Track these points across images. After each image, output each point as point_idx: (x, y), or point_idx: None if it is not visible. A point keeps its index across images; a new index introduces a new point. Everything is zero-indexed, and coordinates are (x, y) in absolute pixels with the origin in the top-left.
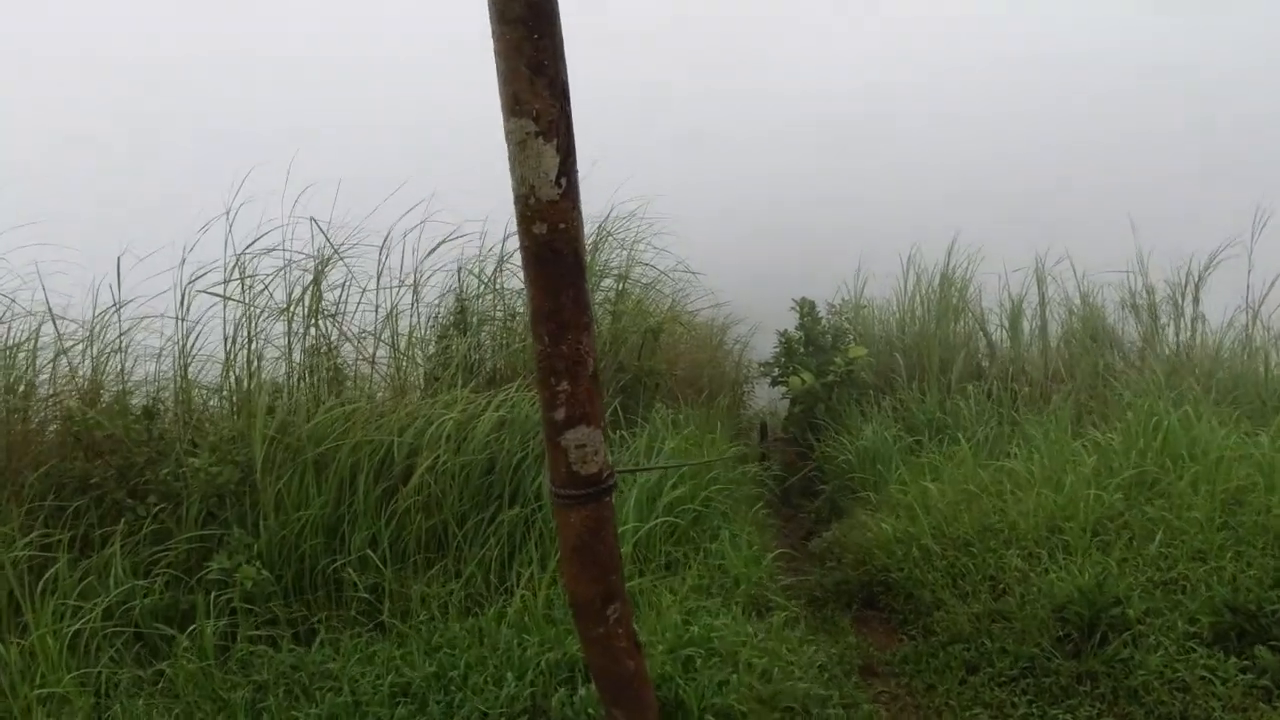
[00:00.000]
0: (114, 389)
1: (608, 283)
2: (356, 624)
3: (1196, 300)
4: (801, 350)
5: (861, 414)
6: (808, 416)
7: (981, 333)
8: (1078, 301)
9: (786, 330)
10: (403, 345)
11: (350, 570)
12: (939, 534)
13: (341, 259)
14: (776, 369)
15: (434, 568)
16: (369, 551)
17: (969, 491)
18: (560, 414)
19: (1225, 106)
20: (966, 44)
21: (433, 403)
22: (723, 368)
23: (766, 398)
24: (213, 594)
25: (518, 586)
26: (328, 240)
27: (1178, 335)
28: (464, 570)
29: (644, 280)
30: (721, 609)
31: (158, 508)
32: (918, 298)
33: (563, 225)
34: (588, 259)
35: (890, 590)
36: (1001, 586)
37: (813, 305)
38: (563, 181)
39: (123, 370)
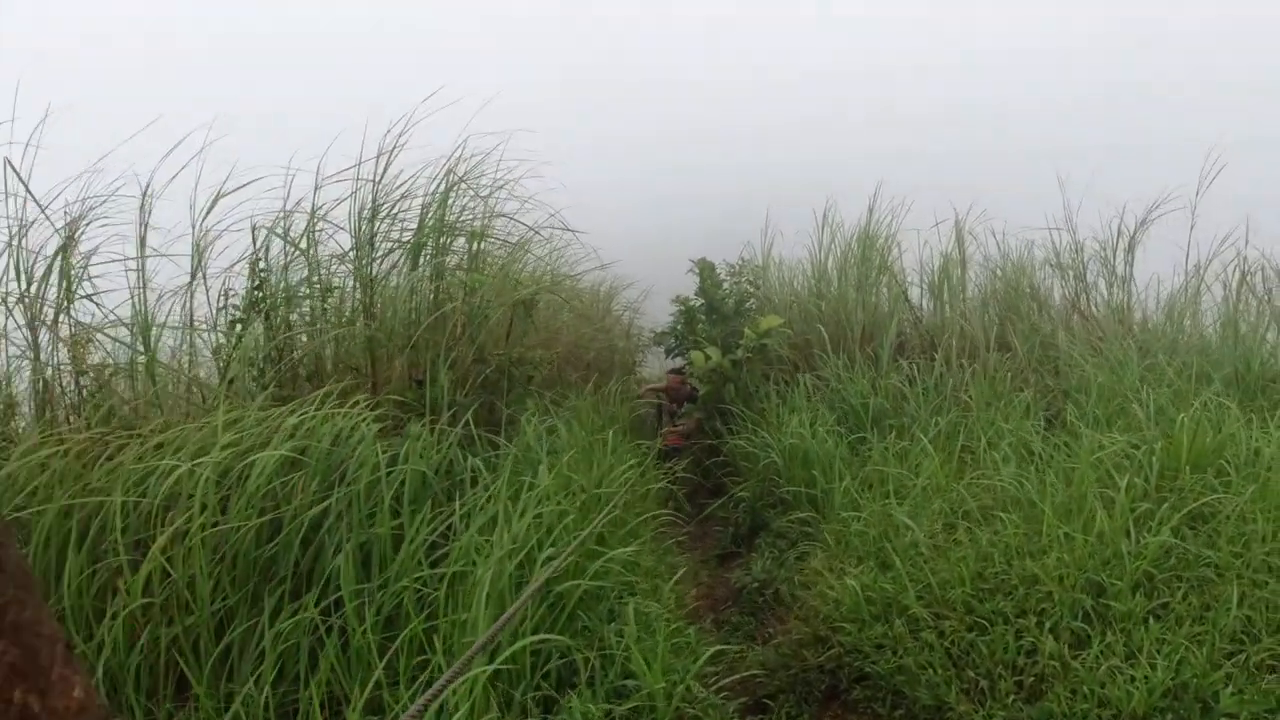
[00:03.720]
0: None
1: (460, 243)
2: None
3: (1130, 258)
4: (703, 319)
5: (779, 397)
6: (715, 400)
7: (904, 297)
8: (1000, 260)
9: (685, 297)
10: (160, 339)
11: None
12: (924, 591)
13: (50, 218)
14: (673, 339)
15: (180, 711)
16: None
17: (951, 522)
18: None
19: (1172, 59)
20: None
21: (195, 429)
22: (611, 339)
23: (660, 368)
24: None
25: None
26: (30, 195)
27: (1109, 296)
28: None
29: (510, 239)
30: None
31: None
32: (832, 258)
33: None
34: (431, 210)
35: (867, 682)
36: (1031, 680)
37: (713, 267)
38: None
39: None
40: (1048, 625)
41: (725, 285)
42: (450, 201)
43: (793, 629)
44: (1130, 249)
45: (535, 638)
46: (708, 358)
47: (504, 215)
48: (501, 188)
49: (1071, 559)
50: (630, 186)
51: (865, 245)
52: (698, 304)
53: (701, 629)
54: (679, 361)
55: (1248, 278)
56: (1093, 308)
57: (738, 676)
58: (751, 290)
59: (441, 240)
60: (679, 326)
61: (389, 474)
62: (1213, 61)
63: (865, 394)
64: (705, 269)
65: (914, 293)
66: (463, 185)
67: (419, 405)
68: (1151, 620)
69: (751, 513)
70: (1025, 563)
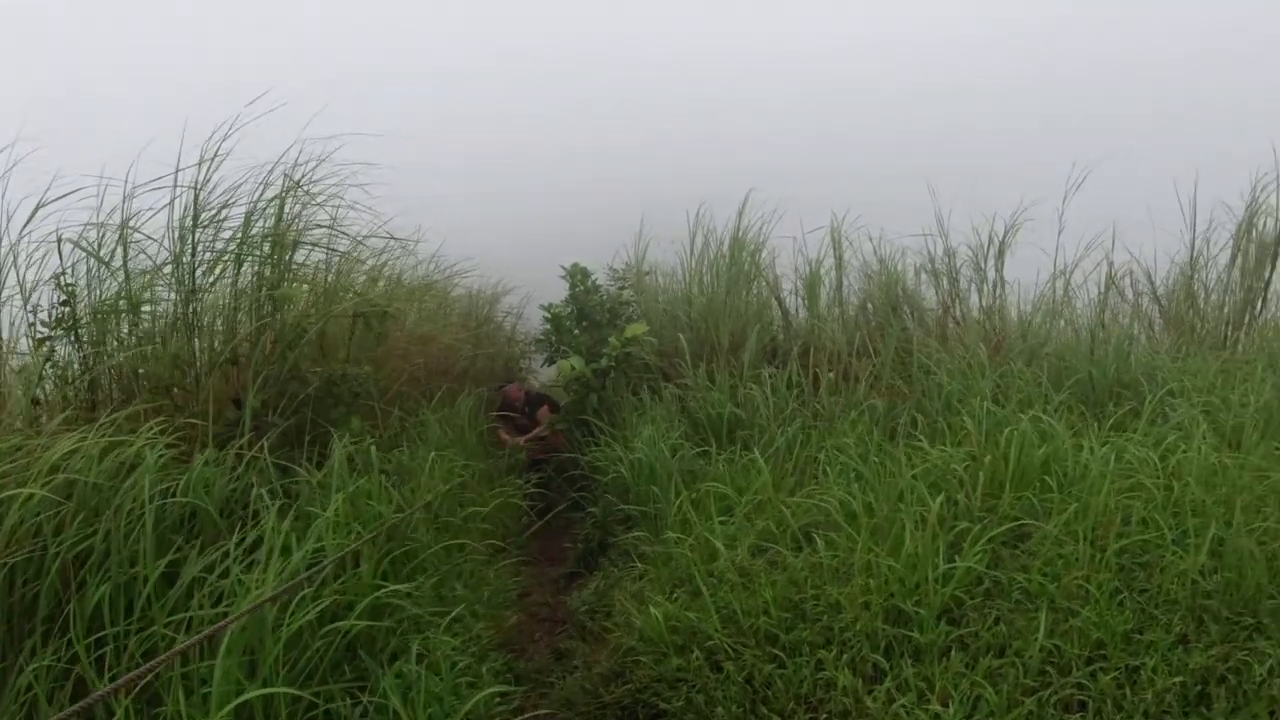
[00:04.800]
0: None
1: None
2: None
3: (1000, 263)
4: (573, 328)
5: (639, 408)
6: (578, 410)
7: (776, 302)
8: (875, 266)
9: (554, 304)
10: None
11: None
12: (731, 620)
13: None
14: (547, 348)
15: None
16: None
17: (772, 542)
18: None
19: (1034, 63)
20: None
21: None
22: (495, 343)
23: (552, 375)
24: None
25: None
26: None
27: (981, 300)
28: None
29: (350, 247)
30: None
31: None
32: (705, 263)
33: None
34: (258, 217)
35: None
36: (825, 717)
37: (586, 273)
38: None
39: None
40: (845, 658)
41: (601, 292)
42: (285, 209)
43: (598, 660)
44: (1000, 254)
45: (275, 689)
46: (573, 366)
47: (322, 226)
48: (336, 195)
49: (875, 584)
50: (523, 189)
51: (735, 248)
52: (567, 310)
53: (522, 658)
54: (554, 370)
55: (1115, 282)
56: (963, 312)
57: (535, 713)
58: (630, 297)
59: (275, 251)
60: (551, 335)
61: (164, 506)
62: (1080, 73)
63: (720, 404)
64: (577, 274)
65: (791, 300)
66: (299, 190)
67: (233, 428)
68: (954, 652)
69: (601, 529)
70: (831, 588)
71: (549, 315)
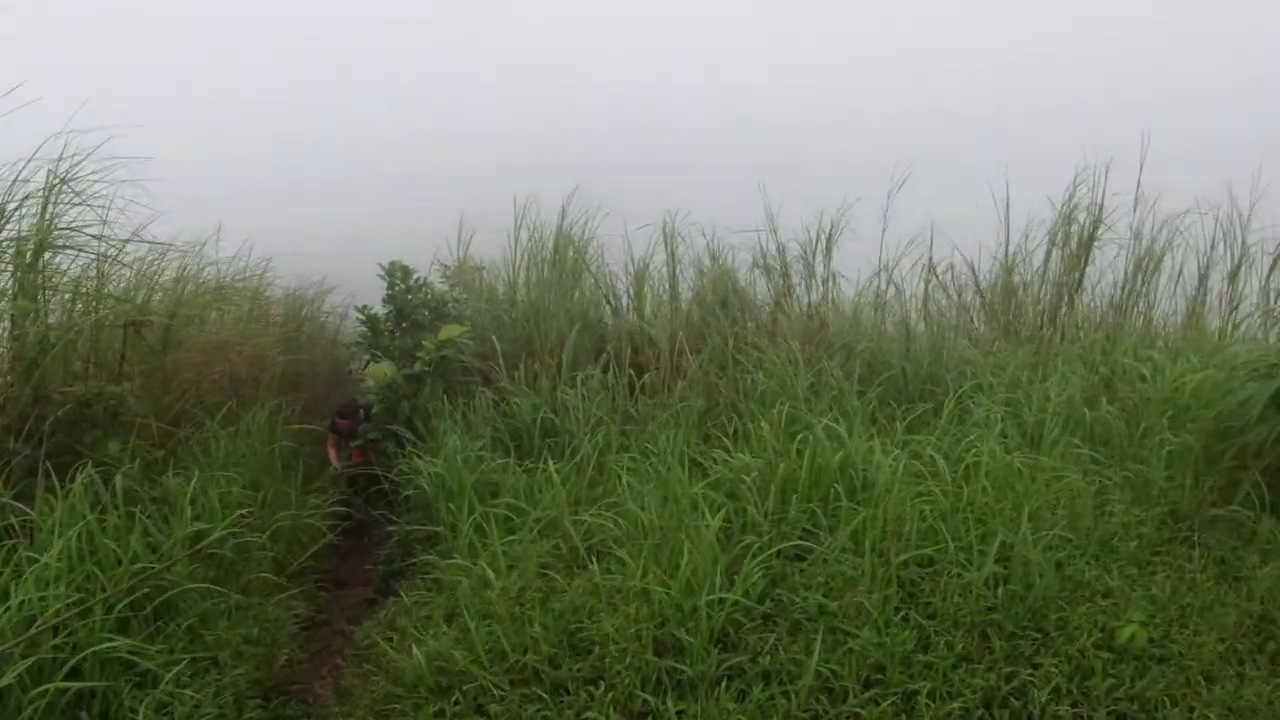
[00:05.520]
0: None
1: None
2: None
3: (828, 259)
4: (391, 330)
5: (448, 415)
6: (389, 419)
7: (605, 299)
8: (708, 262)
9: (367, 306)
10: None
11: None
12: (501, 657)
13: None
14: (366, 350)
15: None
16: None
17: (555, 565)
18: None
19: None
20: None
21: None
22: (318, 346)
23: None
24: None
25: None
26: None
27: (809, 296)
28: None
29: (118, 251)
30: None
31: None
32: (531, 259)
33: None
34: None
35: None
36: None
37: (407, 271)
38: None
39: None
40: (610, 696)
41: (425, 291)
42: (49, 210)
43: (356, 708)
44: (828, 250)
45: None
46: (385, 373)
47: (72, 227)
48: (105, 193)
49: (649, 611)
50: (351, 187)
51: (561, 243)
52: (385, 312)
53: (298, 701)
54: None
55: (938, 276)
56: (795, 307)
57: None
58: (458, 297)
59: (19, 256)
60: (368, 339)
61: None
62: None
63: (534, 409)
64: (396, 273)
65: (626, 299)
66: (63, 188)
67: None
68: (727, 682)
69: (403, 549)
70: (605, 616)
71: (364, 317)
